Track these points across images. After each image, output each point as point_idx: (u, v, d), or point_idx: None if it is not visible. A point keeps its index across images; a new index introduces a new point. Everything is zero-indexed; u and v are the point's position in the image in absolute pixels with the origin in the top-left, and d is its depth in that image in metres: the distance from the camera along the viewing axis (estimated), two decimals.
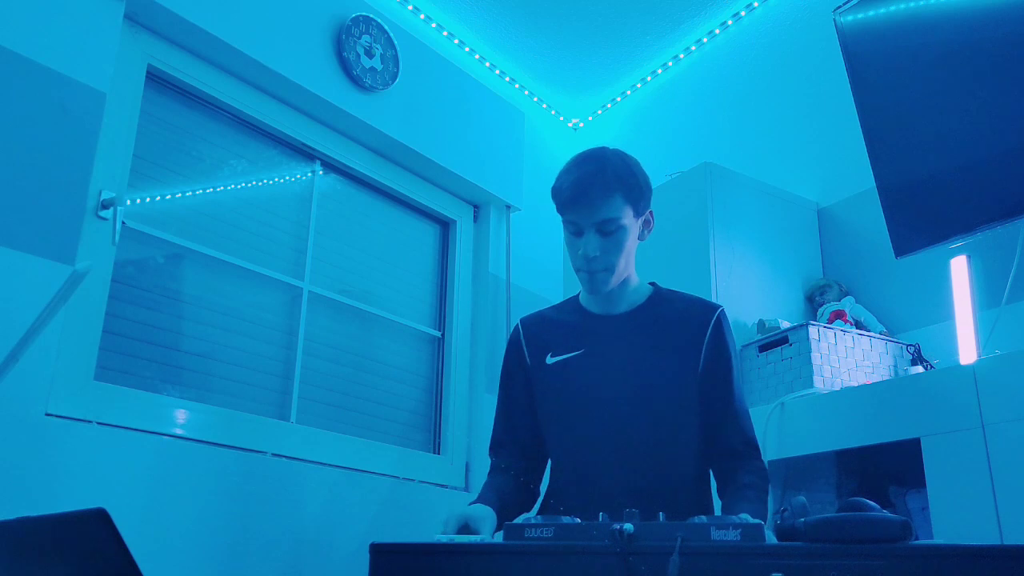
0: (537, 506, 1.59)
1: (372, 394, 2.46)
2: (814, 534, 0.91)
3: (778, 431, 1.87)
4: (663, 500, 1.36)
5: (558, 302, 1.67)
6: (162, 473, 1.79)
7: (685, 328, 1.49)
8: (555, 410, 1.53)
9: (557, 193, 1.49)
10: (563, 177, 1.49)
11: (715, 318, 1.49)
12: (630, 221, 1.46)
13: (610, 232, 1.44)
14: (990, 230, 1.77)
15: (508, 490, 1.52)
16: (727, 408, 1.47)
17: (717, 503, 1.47)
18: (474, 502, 1.44)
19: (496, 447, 1.61)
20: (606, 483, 1.44)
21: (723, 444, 1.46)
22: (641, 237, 1.52)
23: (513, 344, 1.62)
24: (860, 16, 2.03)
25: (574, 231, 1.47)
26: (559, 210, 1.49)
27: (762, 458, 1.49)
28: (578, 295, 1.61)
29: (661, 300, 1.54)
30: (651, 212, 1.53)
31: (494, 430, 1.63)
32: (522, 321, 1.63)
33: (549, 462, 1.59)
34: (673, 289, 1.59)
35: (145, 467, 1.76)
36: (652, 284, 1.58)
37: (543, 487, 1.60)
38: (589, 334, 1.53)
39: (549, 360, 1.54)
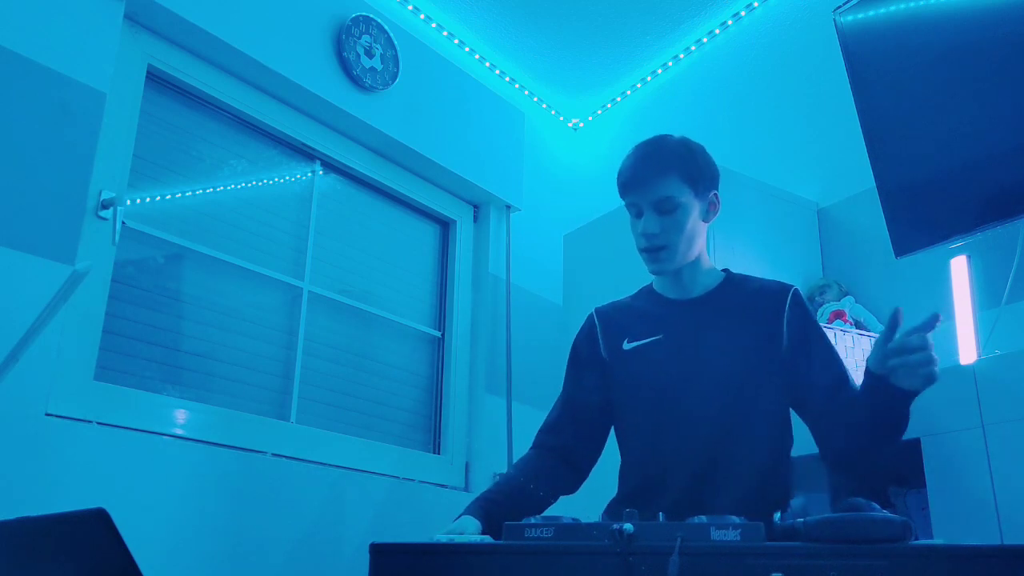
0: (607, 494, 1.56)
1: (372, 394, 2.46)
2: (814, 534, 0.91)
3: None
4: (731, 489, 1.36)
5: (631, 293, 1.64)
6: (162, 473, 1.79)
7: (763, 308, 1.47)
8: (633, 395, 1.50)
9: (619, 176, 1.50)
10: (624, 161, 1.51)
11: (791, 294, 1.48)
12: (689, 200, 1.45)
13: (668, 211, 1.44)
14: (990, 230, 1.77)
15: (534, 472, 1.50)
16: (836, 368, 1.42)
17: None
18: (472, 505, 1.43)
19: (547, 432, 1.58)
20: (677, 469, 1.42)
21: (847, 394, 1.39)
22: (706, 219, 1.50)
23: (587, 333, 1.60)
24: (860, 16, 2.02)
25: (635, 213, 1.48)
26: (621, 193, 1.50)
27: None
28: (651, 284, 1.60)
29: (735, 283, 1.53)
30: (717, 195, 1.51)
31: (550, 416, 1.59)
32: (597, 310, 1.61)
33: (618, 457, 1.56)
34: (745, 274, 1.58)
35: (145, 467, 1.76)
36: (724, 270, 1.57)
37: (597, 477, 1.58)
38: (666, 319, 1.51)
39: (626, 346, 1.52)
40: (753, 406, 1.42)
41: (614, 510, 1.49)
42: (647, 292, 1.60)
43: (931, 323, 1.18)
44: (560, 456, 1.54)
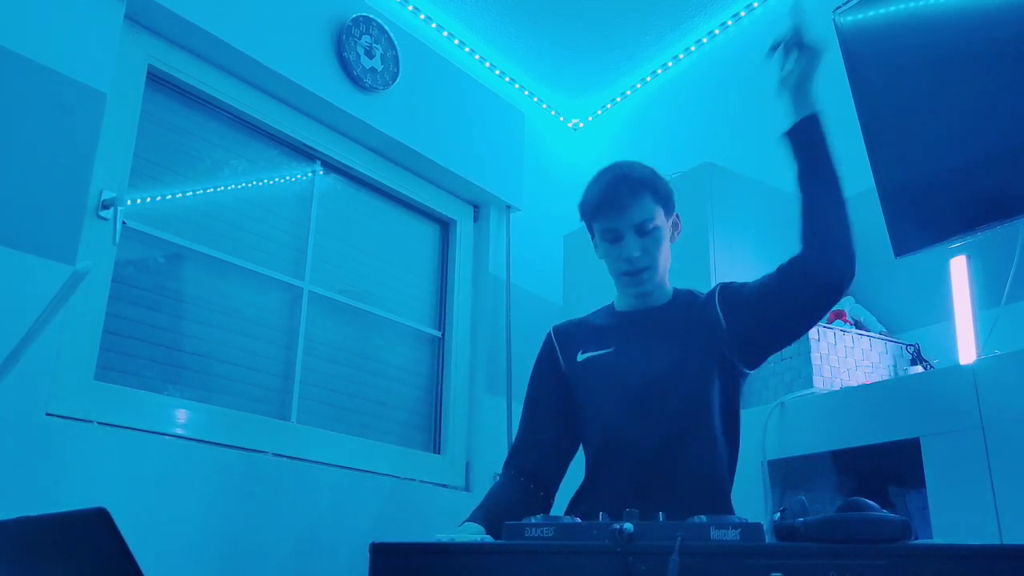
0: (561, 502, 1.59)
1: (372, 394, 2.46)
2: (814, 534, 0.91)
3: (778, 431, 1.87)
4: (676, 491, 1.40)
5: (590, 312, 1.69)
6: (163, 473, 1.79)
7: (701, 311, 1.52)
8: (591, 405, 1.54)
9: (588, 203, 1.52)
10: (590, 188, 1.53)
11: (718, 288, 1.54)
12: (662, 221, 1.50)
13: (648, 232, 1.48)
14: (990, 230, 1.77)
15: (511, 497, 1.53)
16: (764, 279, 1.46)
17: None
18: (472, 514, 1.44)
19: (514, 454, 1.61)
20: (628, 471, 1.45)
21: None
22: (672, 239, 1.56)
23: (546, 350, 1.64)
24: (860, 16, 2.03)
25: (612, 238, 1.50)
26: (592, 220, 1.52)
27: None
28: (611, 304, 1.64)
29: (681, 297, 1.58)
30: (677, 215, 1.57)
31: (516, 438, 1.64)
32: (554, 328, 1.65)
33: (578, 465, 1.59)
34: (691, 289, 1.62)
35: (146, 467, 1.76)
36: (675, 288, 1.61)
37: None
38: (618, 332, 1.56)
39: (580, 357, 1.56)
40: (702, 410, 1.46)
41: (578, 509, 1.52)
42: (606, 310, 1.65)
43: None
44: (530, 476, 1.57)
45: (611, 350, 1.55)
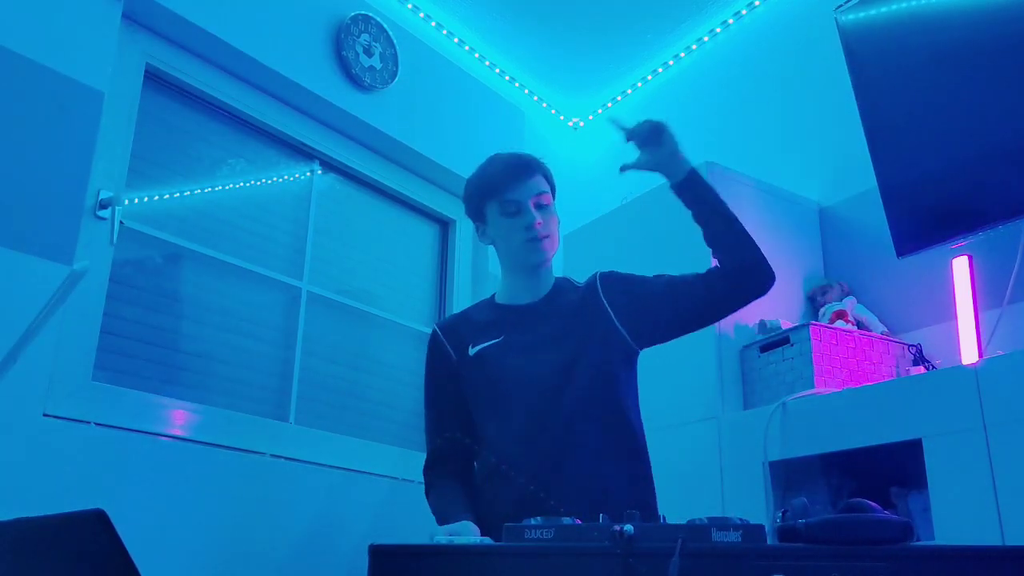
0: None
1: (372, 394, 2.46)
2: (815, 535, 0.91)
3: (780, 432, 1.87)
4: (587, 476, 1.44)
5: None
6: (161, 474, 1.78)
7: (584, 300, 1.59)
8: (484, 397, 1.56)
9: (490, 178, 1.59)
10: (488, 167, 1.62)
11: (598, 276, 1.62)
12: (551, 202, 1.61)
13: (544, 206, 1.58)
14: (992, 230, 1.76)
15: (467, 496, 1.54)
16: (669, 281, 1.57)
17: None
18: (444, 518, 1.44)
19: (436, 461, 1.60)
20: (521, 464, 1.46)
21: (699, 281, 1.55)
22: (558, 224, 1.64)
23: (434, 348, 1.64)
24: (861, 15, 2.02)
25: (513, 210, 1.56)
26: (492, 195, 1.58)
27: None
28: (492, 295, 1.68)
29: (563, 286, 1.65)
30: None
31: (429, 446, 1.62)
32: (438, 326, 1.67)
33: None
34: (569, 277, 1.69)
35: (143, 468, 1.76)
36: (557, 276, 1.67)
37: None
38: (504, 323, 1.60)
39: (471, 351, 1.58)
40: (595, 393, 1.51)
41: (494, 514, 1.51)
42: (486, 303, 1.68)
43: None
44: (457, 479, 1.57)
45: (500, 340, 1.57)
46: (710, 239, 1.53)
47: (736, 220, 1.52)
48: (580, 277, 1.66)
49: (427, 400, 1.65)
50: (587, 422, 1.49)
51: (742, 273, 1.51)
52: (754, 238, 1.52)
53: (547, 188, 1.60)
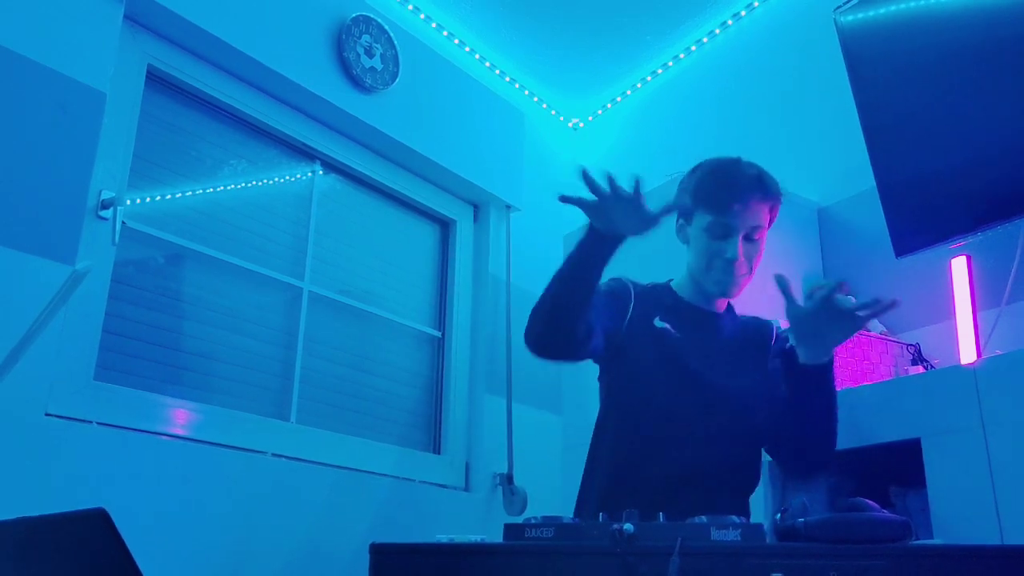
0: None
1: (372, 394, 2.46)
2: (814, 534, 0.91)
3: None
4: (710, 495, 1.41)
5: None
6: (162, 473, 1.79)
7: (758, 339, 1.57)
8: (643, 376, 1.49)
9: (715, 190, 1.47)
10: (720, 175, 1.48)
11: (776, 328, 1.59)
12: (765, 233, 1.51)
13: (754, 240, 1.48)
14: (990, 230, 1.77)
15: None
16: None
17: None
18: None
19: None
20: (665, 465, 1.45)
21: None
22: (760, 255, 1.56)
23: (622, 290, 1.54)
24: (860, 16, 2.02)
25: (720, 234, 1.46)
26: (707, 206, 1.47)
27: None
28: (668, 282, 1.61)
29: (731, 310, 1.61)
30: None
31: None
32: (630, 281, 1.57)
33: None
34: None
35: (145, 467, 1.76)
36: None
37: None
38: (684, 319, 1.53)
39: (658, 323, 1.52)
40: (744, 423, 1.49)
41: (593, 498, 1.50)
42: (664, 289, 1.61)
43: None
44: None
45: (680, 334, 1.52)
46: (801, 415, 1.41)
47: (835, 414, 1.41)
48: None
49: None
50: (724, 451, 1.47)
51: (801, 470, 1.49)
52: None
53: (765, 223, 1.49)
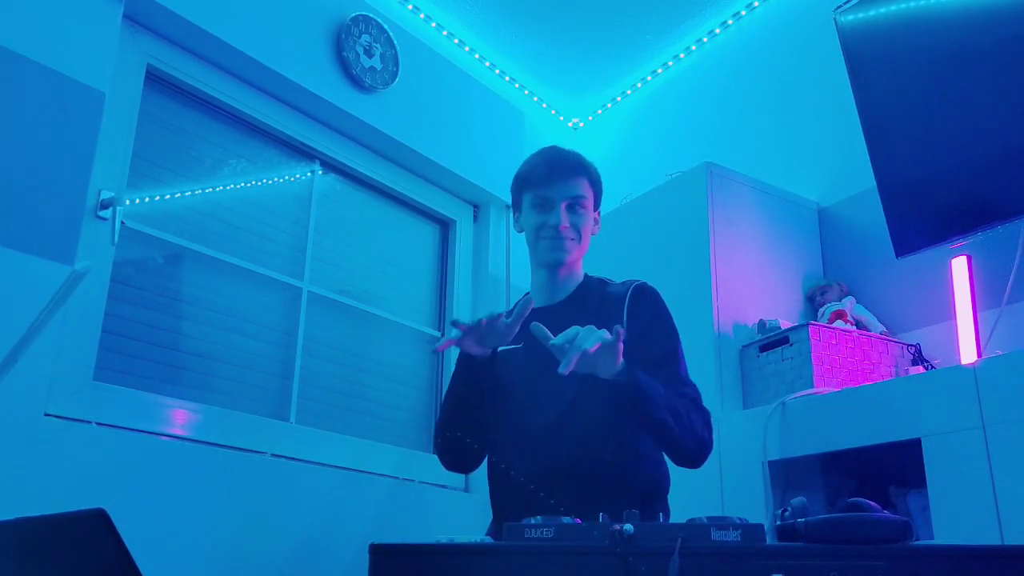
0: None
1: (372, 394, 2.46)
2: (814, 534, 0.91)
3: (779, 431, 1.87)
4: (580, 487, 1.42)
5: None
6: (162, 473, 1.78)
7: (609, 308, 1.54)
8: (497, 399, 1.54)
9: (530, 170, 1.60)
10: (532, 160, 1.63)
11: (632, 289, 1.56)
12: (590, 207, 1.59)
13: (576, 211, 1.56)
14: (991, 230, 1.77)
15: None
16: (655, 364, 1.47)
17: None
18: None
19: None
20: (530, 472, 1.47)
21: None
22: (592, 231, 1.62)
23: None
24: (860, 16, 2.02)
25: (541, 204, 1.56)
26: (527, 186, 1.60)
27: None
28: (527, 293, 1.65)
29: (591, 287, 1.61)
30: (599, 213, 1.64)
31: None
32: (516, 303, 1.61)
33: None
34: (606, 278, 1.64)
35: (144, 467, 1.76)
36: (586, 274, 1.64)
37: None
38: (525, 325, 1.52)
39: (500, 350, 1.56)
40: (598, 409, 1.44)
41: (498, 517, 1.53)
42: (523, 301, 1.61)
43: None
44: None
45: (521, 345, 1.56)
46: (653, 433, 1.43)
47: (670, 425, 1.38)
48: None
49: None
50: (588, 453, 1.45)
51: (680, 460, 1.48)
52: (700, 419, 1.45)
53: (586, 193, 1.58)
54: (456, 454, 1.59)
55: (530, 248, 1.63)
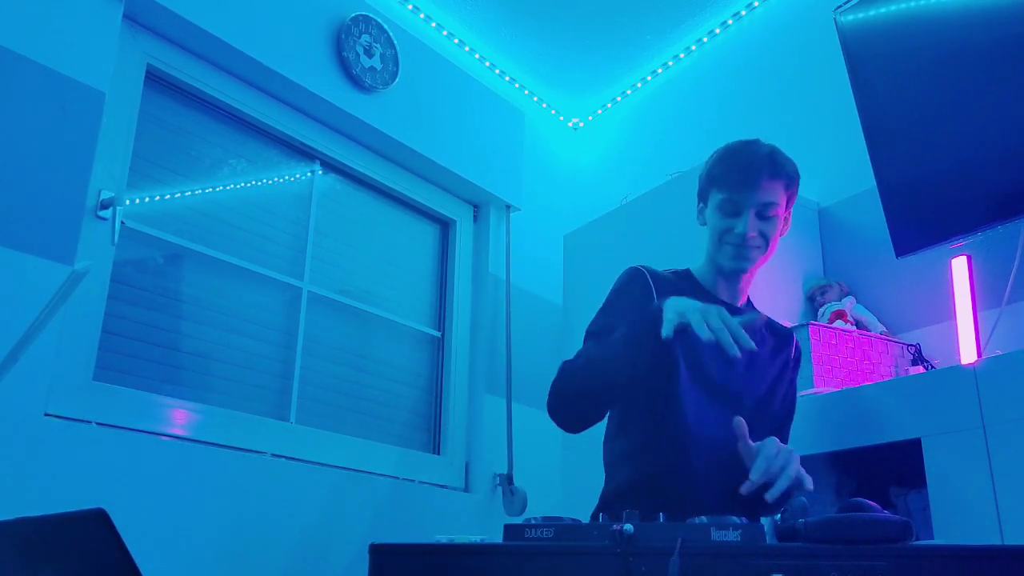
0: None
1: (372, 394, 2.46)
2: (814, 534, 0.91)
3: None
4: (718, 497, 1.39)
5: (662, 269, 1.59)
6: (161, 473, 1.79)
7: (777, 342, 1.58)
8: (668, 377, 1.45)
9: (721, 174, 1.49)
10: (725, 158, 1.51)
11: (795, 347, 1.62)
12: (781, 212, 1.50)
13: (767, 218, 1.47)
14: (991, 230, 1.76)
15: None
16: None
17: None
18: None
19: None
20: (684, 467, 1.43)
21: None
22: (782, 233, 1.54)
23: (639, 286, 1.51)
24: (860, 16, 2.02)
25: (729, 209, 1.47)
26: (714, 187, 1.50)
27: None
28: (687, 270, 1.59)
29: (752, 305, 1.62)
30: (791, 211, 1.55)
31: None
32: (645, 268, 1.54)
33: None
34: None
35: (144, 467, 1.76)
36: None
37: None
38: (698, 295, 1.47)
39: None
40: (757, 425, 1.44)
41: (612, 503, 1.47)
42: (686, 277, 1.57)
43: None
44: None
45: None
46: None
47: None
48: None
49: (608, 307, 1.51)
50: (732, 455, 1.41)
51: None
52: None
53: (778, 200, 1.47)
54: (585, 420, 1.44)
55: (710, 246, 1.53)
